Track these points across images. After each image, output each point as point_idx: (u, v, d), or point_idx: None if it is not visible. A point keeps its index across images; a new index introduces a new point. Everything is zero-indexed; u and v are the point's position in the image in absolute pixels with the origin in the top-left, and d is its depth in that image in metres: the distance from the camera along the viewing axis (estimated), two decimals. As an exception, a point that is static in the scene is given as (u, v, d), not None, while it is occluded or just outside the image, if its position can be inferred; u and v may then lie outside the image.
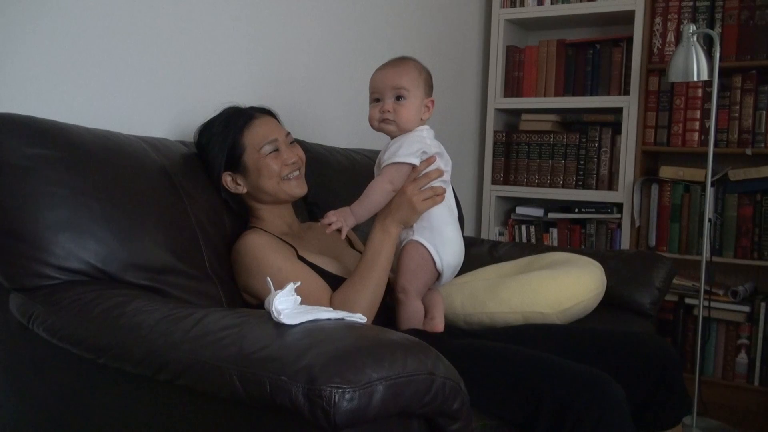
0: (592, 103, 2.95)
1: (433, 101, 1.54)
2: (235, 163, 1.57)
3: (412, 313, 1.52)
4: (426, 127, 1.53)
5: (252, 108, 1.63)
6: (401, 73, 1.50)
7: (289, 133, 1.62)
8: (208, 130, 1.60)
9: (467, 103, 3.17)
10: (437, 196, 1.50)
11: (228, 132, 1.56)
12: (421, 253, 1.52)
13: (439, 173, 1.51)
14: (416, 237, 1.52)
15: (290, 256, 1.51)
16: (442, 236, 1.53)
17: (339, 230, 1.45)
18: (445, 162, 1.55)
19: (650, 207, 2.87)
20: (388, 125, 1.50)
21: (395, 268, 1.55)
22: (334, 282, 1.50)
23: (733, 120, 2.73)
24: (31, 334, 1.21)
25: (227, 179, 1.58)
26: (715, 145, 2.50)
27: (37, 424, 1.32)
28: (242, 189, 1.58)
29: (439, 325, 1.54)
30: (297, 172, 1.59)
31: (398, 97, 1.49)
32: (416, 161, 1.48)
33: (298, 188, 1.59)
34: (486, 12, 3.20)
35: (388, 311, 1.56)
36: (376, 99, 1.51)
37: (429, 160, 1.51)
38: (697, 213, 2.78)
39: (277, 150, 1.56)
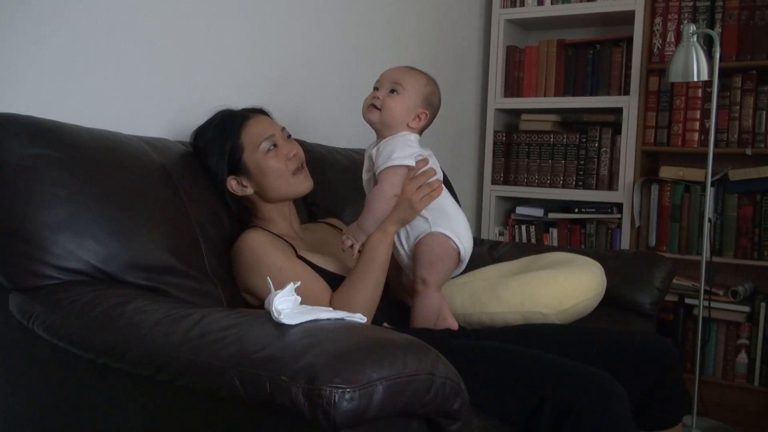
0: (592, 103, 2.95)
1: (426, 114, 1.55)
2: (237, 165, 1.57)
3: (431, 305, 1.53)
4: (414, 134, 1.55)
5: (244, 109, 1.64)
6: (407, 73, 1.55)
7: (284, 128, 1.63)
8: (203, 135, 1.60)
9: (467, 103, 3.17)
10: (433, 191, 1.53)
11: (225, 136, 1.57)
12: (441, 243, 1.53)
13: (433, 172, 1.55)
14: (435, 228, 1.53)
15: (290, 254, 1.52)
16: (459, 223, 1.56)
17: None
18: (434, 164, 1.58)
19: (650, 207, 2.87)
20: (371, 113, 1.53)
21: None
22: (334, 280, 1.51)
23: (733, 120, 2.73)
24: (31, 334, 1.21)
25: (232, 183, 1.58)
26: (715, 145, 2.49)
27: (36, 423, 1.32)
28: (249, 190, 1.58)
29: (453, 324, 1.55)
30: (302, 167, 1.61)
31: (392, 90, 1.52)
32: (412, 163, 1.51)
33: (305, 185, 1.61)
34: (486, 12, 3.19)
35: (398, 308, 1.56)
36: (375, 88, 1.56)
37: (424, 161, 1.54)
38: (697, 213, 2.78)
39: (275, 146, 1.57)
